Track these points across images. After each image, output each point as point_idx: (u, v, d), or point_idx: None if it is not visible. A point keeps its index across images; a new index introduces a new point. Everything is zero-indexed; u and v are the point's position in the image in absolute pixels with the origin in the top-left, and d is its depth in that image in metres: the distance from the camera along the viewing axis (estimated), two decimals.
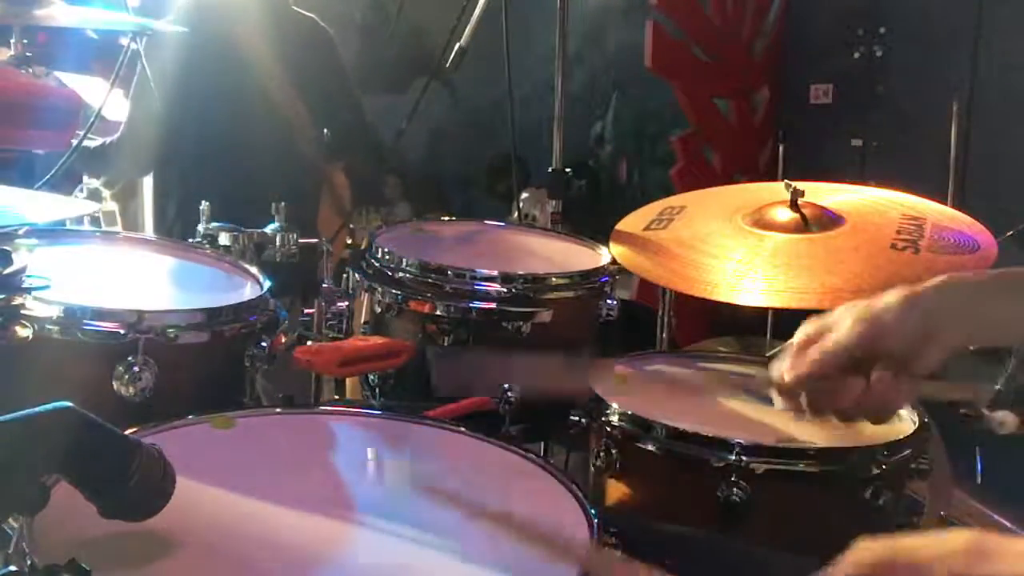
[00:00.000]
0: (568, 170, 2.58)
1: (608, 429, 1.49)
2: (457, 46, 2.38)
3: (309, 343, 1.66)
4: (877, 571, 0.76)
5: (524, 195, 4.15)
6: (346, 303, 1.78)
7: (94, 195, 3.08)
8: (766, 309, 2.99)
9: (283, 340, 1.53)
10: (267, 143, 2.73)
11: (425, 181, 5.33)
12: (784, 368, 1.08)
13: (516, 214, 3.25)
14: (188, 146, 2.74)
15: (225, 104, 2.69)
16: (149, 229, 3.19)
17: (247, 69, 2.70)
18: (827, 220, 1.75)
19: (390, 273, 1.74)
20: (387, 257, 1.76)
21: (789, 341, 1.09)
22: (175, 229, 2.74)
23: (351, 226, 3.12)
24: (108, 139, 2.76)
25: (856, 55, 4.06)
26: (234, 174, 2.63)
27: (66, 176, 2.69)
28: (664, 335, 2.32)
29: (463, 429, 1.36)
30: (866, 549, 0.79)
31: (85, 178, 3.15)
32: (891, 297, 1.05)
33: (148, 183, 3.56)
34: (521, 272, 1.70)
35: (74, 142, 2.51)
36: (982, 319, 1.07)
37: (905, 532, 1.43)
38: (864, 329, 1.04)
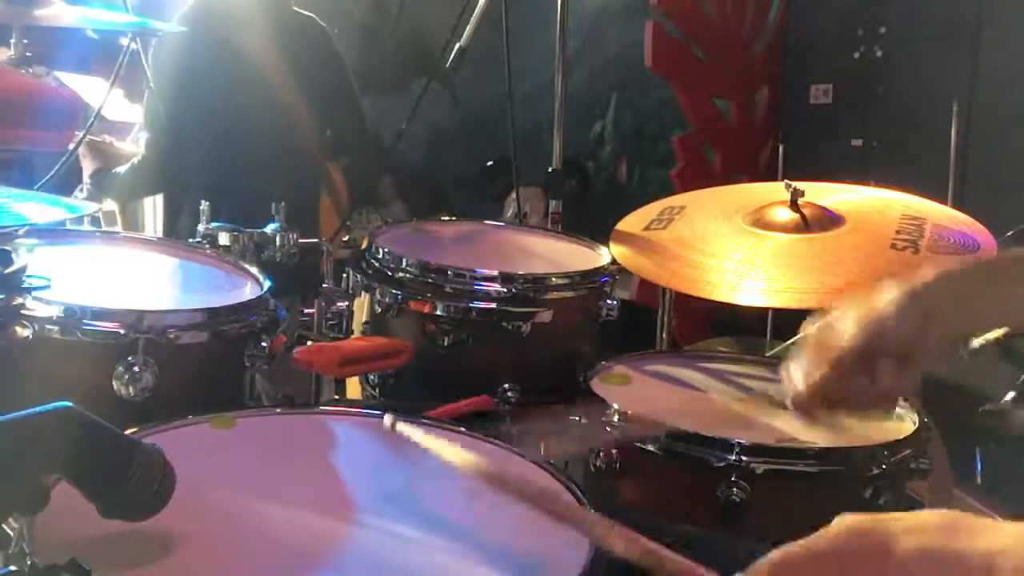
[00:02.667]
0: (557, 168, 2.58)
1: (608, 429, 1.49)
2: (457, 46, 2.38)
3: (309, 343, 1.66)
4: (852, 540, 0.77)
5: (512, 196, 4.16)
6: (346, 303, 1.78)
7: (94, 195, 3.08)
8: (766, 309, 2.99)
9: (283, 340, 1.53)
10: (270, 143, 2.74)
11: (425, 181, 5.33)
12: (797, 380, 1.10)
13: (509, 212, 3.25)
14: (191, 148, 2.74)
15: (227, 104, 2.70)
16: (149, 229, 3.20)
17: (250, 69, 2.71)
18: (827, 220, 1.75)
19: (390, 273, 1.74)
20: (387, 257, 1.76)
21: (790, 341, 1.11)
22: (185, 230, 2.75)
23: (348, 224, 3.13)
24: (133, 161, 2.80)
25: (856, 55, 4.06)
26: (236, 174, 2.63)
27: (66, 176, 2.69)
28: (664, 335, 2.32)
29: (463, 429, 1.36)
30: (845, 520, 0.80)
31: (85, 178, 3.15)
32: (890, 293, 1.06)
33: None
34: (521, 272, 1.70)
35: (73, 145, 2.52)
36: (979, 305, 1.09)
37: None
38: (869, 330, 1.06)
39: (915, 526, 0.76)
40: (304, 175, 2.91)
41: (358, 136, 3.12)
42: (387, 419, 1.19)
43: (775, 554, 0.78)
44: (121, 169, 2.90)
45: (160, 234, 3.06)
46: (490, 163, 4.91)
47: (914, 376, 1.07)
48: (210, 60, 2.69)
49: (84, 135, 2.81)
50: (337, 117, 2.99)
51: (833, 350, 1.08)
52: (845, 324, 1.08)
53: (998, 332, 1.80)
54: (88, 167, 2.96)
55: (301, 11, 2.94)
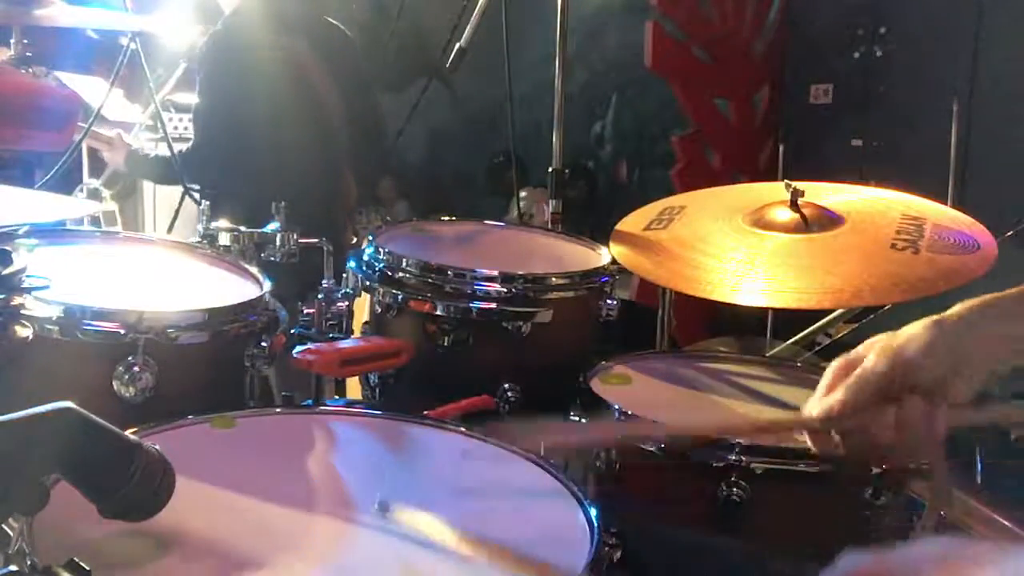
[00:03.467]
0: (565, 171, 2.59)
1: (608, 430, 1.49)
2: (457, 46, 2.38)
3: (309, 343, 1.66)
4: None
5: (523, 194, 4.16)
6: (346, 303, 1.78)
7: (94, 195, 3.09)
8: (766, 309, 2.99)
9: (283, 340, 1.53)
10: (309, 146, 2.81)
11: (424, 181, 5.33)
12: (811, 406, 1.07)
13: (515, 213, 3.26)
14: (237, 155, 2.78)
15: (274, 111, 2.75)
16: (149, 229, 3.20)
17: (297, 76, 2.77)
18: (827, 220, 1.75)
19: (390, 273, 1.74)
20: (387, 257, 1.76)
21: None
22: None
23: (356, 228, 3.15)
24: (185, 147, 2.84)
25: (856, 55, 4.06)
26: (279, 178, 2.68)
27: (66, 176, 2.69)
28: (664, 335, 2.32)
29: (463, 429, 1.36)
30: (853, 560, 0.79)
31: (85, 178, 3.16)
32: (914, 328, 1.04)
33: (149, 184, 3.57)
34: (521, 272, 1.70)
35: (72, 145, 2.52)
36: (1012, 341, 1.05)
37: (905, 532, 1.43)
38: (888, 361, 1.03)
39: (925, 561, 0.75)
40: (333, 178, 2.97)
41: (377, 140, 3.20)
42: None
43: None
44: (152, 152, 2.93)
45: (163, 233, 3.08)
46: (498, 160, 4.92)
47: (942, 418, 1.02)
48: (258, 63, 2.74)
49: (84, 135, 2.82)
50: (361, 120, 3.05)
51: (850, 380, 1.05)
52: (868, 354, 1.05)
53: None
54: (113, 159, 2.99)
55: (333, 22, 3.00)
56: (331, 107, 2.91)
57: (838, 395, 1.05)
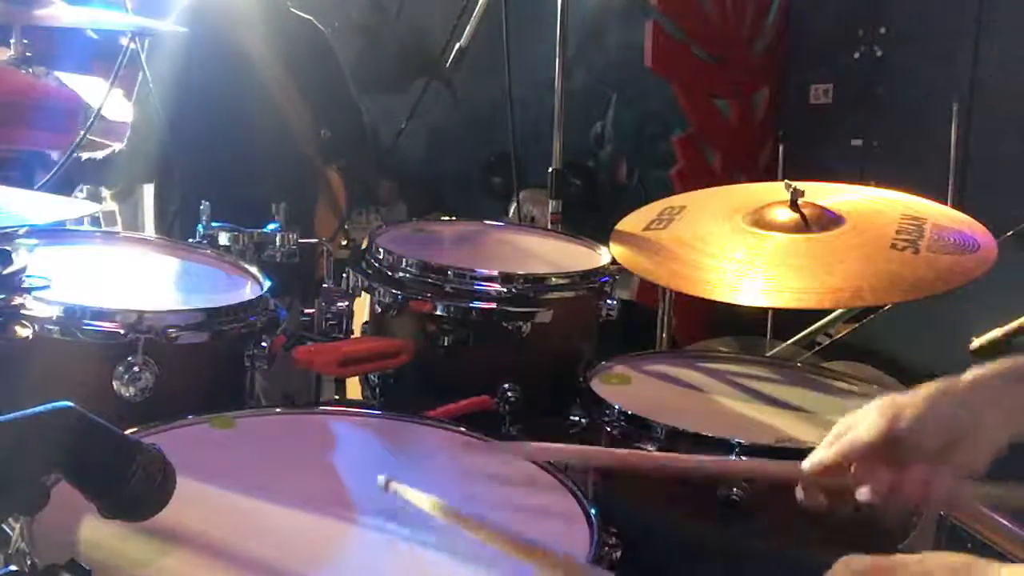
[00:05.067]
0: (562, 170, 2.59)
1: (608, 429, 1.49)
2: (457, 46, 2.38)
3: (309, 343, 1.66)
4: None
5: (522, 194, 4.16)
6: (346, 303, 1.78)
7: (94, 195, 3.08)
8: (766, 309, 2.99)
9: (283, 340, 1.53)
10: (267, 143, 2.74)
11: (424, 181, 5.33)
12: (806, 462, 1.06)
13: (512, 213, 3.25)
14: (187, 148, 2.74)
15: (225, 105, 2.70)
16: (149, 229, 3.20)
17: (247, 70, 2.71)
18: (827, 220, 1.75)
19: (390, 273, 1.74)
20: (387, 257, 1.76)
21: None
22: (174, 230, 2.74)
23: (347, 227, 3.13)
24: (113, 149, 2.78)
25: (856, 55, 4.06)
26: (234, 174, 2.63)
27: (66, 176, 2.69)
28: (664, 335, 2.31)
29: (463, 429, 1.36)
30: (848, 562, 0.79)
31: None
32: (919, 393, 1.01)
33: (148, 184, 3.57)
34: (521, 272, 1.70)
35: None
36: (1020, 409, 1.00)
37: (905, 532, 1.43)
38: (884, 419, 1.00)
39: (920, 571, 0.75)
40: (299, 176, 2.91)
41: (356, 138, 3.12)
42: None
43: None
44: (100, 154, 2.87)
45: (152, 224, 3.06)
46: (491, 159, 4.92)
47: (941, 489, 0.97)
48: (207, 58, 2.69)
49: (84, 135, 2.81)
50: (334, 118, 2.99)
51: (846, 436, 1.03)
52: (867, 415, 1.02)
53: (1000, 331, 1.80)
54: None
55: (299, 13, 2.94)
56: (289, 103, 2.83)
57: (832, 452, 1.04)
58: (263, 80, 2.74)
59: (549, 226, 2.49)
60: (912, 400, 1.01)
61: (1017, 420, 1.00)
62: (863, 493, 1.00)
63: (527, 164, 3.10)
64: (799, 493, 1.08)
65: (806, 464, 1.06)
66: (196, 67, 2.66)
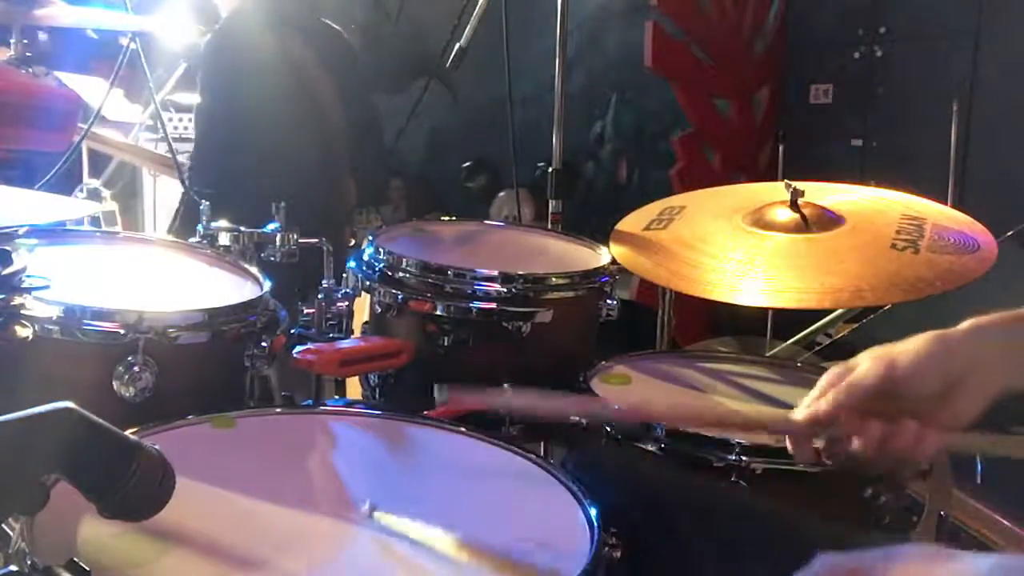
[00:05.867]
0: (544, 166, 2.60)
1: (608, 429, 1.49)
2: (457, 46, 2.38)
3: (309, 343, 1.66)
4: None
5: (501, 194, 4.18)
6: (346, 303, 1.78)
7: (94, 195, 3.09)
8: (766, 309, 2.99)
9: (283, 340, 1.53)
10: (309, 148, 2.83)
11: (424, 181, 5.33)
12: (798, 411, 1.05)
13: (494, 213, 3.27)
14: (237, 154, 2.79)
15: (274, 110, 2.76)
16: (149, 229, 3.20)
17: (289, 72, 2.78)
18: (827, 220, 1.75)
19: (390, 273, 1.74)
20: (387, 257, 1.76)
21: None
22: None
23: (354, 230, 3.15)
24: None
25: (856, 55, 4.06)
26: (283, 178, 2.70)
27: (66, 176, 2.70)
28: (664, 335, 2.32)
29: (463, 429, 1.36)
30: (826, 560, 0.79)
31: (85, 178, 3.16)
32: (915, 341, 1.01)
33: (149, 184, 3.58)
34: (521, 272, 1.70)
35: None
36: (1018, 363, 1.00)
37: (905, 532, 1.43)
38: (879, 369, 1.00)
39: (901, 562, 0.75)
40: (333, 176, 2.98)
41: (375, 139, 3.21)
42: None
43: None
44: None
45: (163, 233, 3.09)
46: (467, 164, 4.94)
47: (932, 441, 0.97)
48: (254, 64, 2.75)
49: (84, 135, 2.82)
50: (356, 118, 3.05)
51: (841, 385, 1.02)
52: (861, 364, 1.02)
53: None
54: None
55: (328, 22, 3.01)
56: (329, 108, 2.92)
57: (825, 401, 1.03)
58: (310, 85, 2.84)
59: (549, 225, 2.50)
60: (907, 347, 1.00)
61: (1011, 370, 1.00)
62: (855, 443, 0.99)
63: (510, 166, 3.10)
64: (790, 446, 1.07)
65: (799, 413, 1.05)
66: (244, 75, 2.74)
